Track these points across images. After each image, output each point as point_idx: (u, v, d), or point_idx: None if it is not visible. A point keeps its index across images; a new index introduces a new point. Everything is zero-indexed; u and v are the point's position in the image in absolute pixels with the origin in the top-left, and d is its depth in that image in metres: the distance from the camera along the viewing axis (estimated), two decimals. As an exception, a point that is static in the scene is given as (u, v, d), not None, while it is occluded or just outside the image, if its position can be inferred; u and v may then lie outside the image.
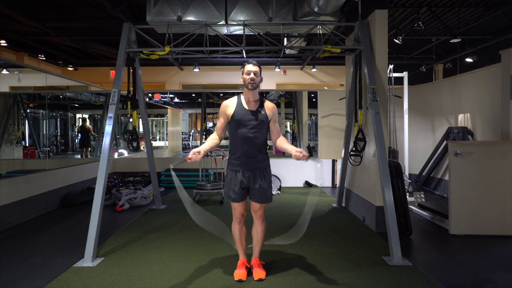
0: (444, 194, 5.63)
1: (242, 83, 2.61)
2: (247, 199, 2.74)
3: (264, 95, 7.59)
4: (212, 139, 2.67)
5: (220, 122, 2.67)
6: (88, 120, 10.52)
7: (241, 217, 2.75)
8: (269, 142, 2.93)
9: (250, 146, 2.60)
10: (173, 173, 2.72)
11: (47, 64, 8.36)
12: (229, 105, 2.64)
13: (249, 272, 2.76)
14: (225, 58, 7.71)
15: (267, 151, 2.76)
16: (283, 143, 2.68)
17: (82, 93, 10.61)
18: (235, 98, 2.68)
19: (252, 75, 2.55)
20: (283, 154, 9.20)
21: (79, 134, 9.53)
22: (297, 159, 2.41)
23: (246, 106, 2.62)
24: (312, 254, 3.20)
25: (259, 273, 2.71)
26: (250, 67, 2.58)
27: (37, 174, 4.76)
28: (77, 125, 11.95)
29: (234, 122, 2.61)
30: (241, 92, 2.71)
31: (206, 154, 6.16)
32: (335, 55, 4.42)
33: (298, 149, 2.46)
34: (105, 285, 2.60)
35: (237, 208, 2.71)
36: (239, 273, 2.70)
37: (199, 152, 2.42)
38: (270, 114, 2.65)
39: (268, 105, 2.67)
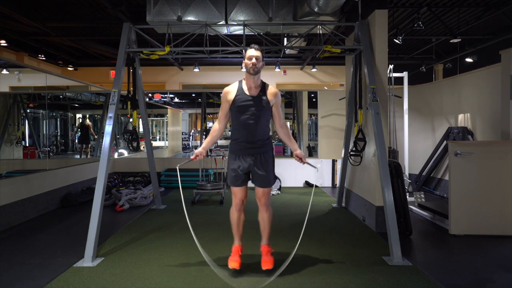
0: (444, 194, 5.62)
1: (244, 67, 2.60)
2: (247, 185, 2.74)
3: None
4: (213, 133, 2.70)
5: (223, 109, 2.66)
6: (87, 117, 10.53)
7: (241, 204, 2.72)
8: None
9: (251, 132, 2.58)
10: (179, 173, 2.76)
11: (47, 64, 8.36)
12: (230, 91, 2.62)
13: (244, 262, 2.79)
14: (225, 58, 7.71)
15: (269, 135, 2.77)
16: (287, 136, 2.72)
17: (82, 93, 10.61)
18: (236, 84, 2.66)
19: (254, 60, 2.53)
20: (283, 154, 9.21)
21: (79, 131, 9.53)
22: (297, 160, 2.67)
23: (247, 92, 2.59)
24: (312, 254, 3.20)
25: (267, 262, 2.71)
26: (252, 52, 2.56)
27: (37, 174, 4.76)
28: (77, 125, 11.96)
29: (235, 108, 2.58)
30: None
31: (206, 154, 6.19)
32: (335, 55, 4.42)
33: (299, 153, 2.62)
34: (105, 285, 2.60)
35: (237, 193, 2.68)
36: (233, 262, 2.69)
37: (201, 153, 2.61)
38: (272, 99, 2.63)
39: (271, 91, 2.65)
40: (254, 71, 2.54)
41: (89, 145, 9.33)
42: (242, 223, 2.79)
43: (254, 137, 2.60)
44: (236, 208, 2.73)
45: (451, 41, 6.47)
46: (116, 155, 8.07)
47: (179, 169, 2.75)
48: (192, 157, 2.64)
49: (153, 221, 4.37)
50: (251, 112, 2.56)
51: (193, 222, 4.31)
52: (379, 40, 3.99)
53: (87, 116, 11.45)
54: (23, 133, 7.68)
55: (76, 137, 10.18)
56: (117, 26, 5.92)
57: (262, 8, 4.41)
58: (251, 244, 3.46)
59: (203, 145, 2.68)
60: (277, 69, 8.54)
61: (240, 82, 2.66)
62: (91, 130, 9.56)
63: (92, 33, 6.95)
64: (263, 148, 2.65)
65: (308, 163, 2.71)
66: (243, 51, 4.38)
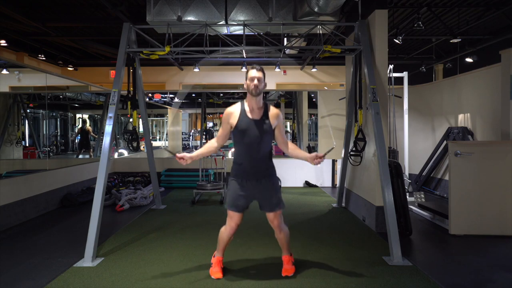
0: (444, 194, 5.62)
1: (245, 88, 2.54)
2: (244, 213, 2.69)
3: (264, 95, 7.59)
4: (209, 147, 2.65)
5: (223, 130, 2.62)
6: (88, 121, 10.53)
7: (236, 227, 2.69)
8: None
9: (255, 156, 2.55)
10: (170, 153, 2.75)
11: (47, 64, 8.36)
12: (233, 114, 2.56)
13: (224, 271, 2.81)
14: (225, 58, 7.71)
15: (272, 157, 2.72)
16: (295, 151, 2.67)
17: (82, 93, 10.61)
18: (238, 106, 2.60)
19: (255, 81, 2.48)
20: (282, 154, 9.21)
21: (79, 135, 9.55)
22: (317, 164, 2.58)
23: (250, 115, 2.54)
24: (312, 254, 3.20)
25: (287, 270, 2.76)
26: (253, 72, 2.50)
27: (37, 174, 4.75)
28: (77, 125, 11.97)
29: (238, 133, 2.55)
30: (242, 93, 2.68)
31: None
32: (335, 55, 4.42)
33: (312, 155, 2.54)
34: (105, 285, 2.60)
35: (233, 217, 2.64)
36: (217, 272, 2.73)
37: (186, 160, 2.55)
38: (274, 122, 2.59)
39: (273, 113, 2.60)
40: (256, 93, 2.49)
41: (90, 150, 9.36)
42: (229, 241, 2.78)
43: (258, 161, 2.57)
44: (231, 232, 2.69)
45: (451, 41, 6.48)
46: (116, 155, 8.07)
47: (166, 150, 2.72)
48: (178, 155, 2.55)
49: (153, 221, 4.37)
50: (255, 136, 2.53)
51: (193, 222, 4.33)
52: (379, 40, 3.98)
53: (87, 117, 11.46)
54: (23, 133, 7.69)
55: (77, 140, 10.21)
56: (117, 26, 5.92)
57: (262, 8, 4.41)
58: (252, 245, 3.46)
59: (196, 153, 2.62)
60: (277, 69, 8.53)
61: (242, 103, 2.60)
62: (92, 133, 9.60)
63: (92, 33, 6.95)
64: (267, 172, 2.62)
65: (325, 154, 2.55)
66: (243, 51, 4.38)
